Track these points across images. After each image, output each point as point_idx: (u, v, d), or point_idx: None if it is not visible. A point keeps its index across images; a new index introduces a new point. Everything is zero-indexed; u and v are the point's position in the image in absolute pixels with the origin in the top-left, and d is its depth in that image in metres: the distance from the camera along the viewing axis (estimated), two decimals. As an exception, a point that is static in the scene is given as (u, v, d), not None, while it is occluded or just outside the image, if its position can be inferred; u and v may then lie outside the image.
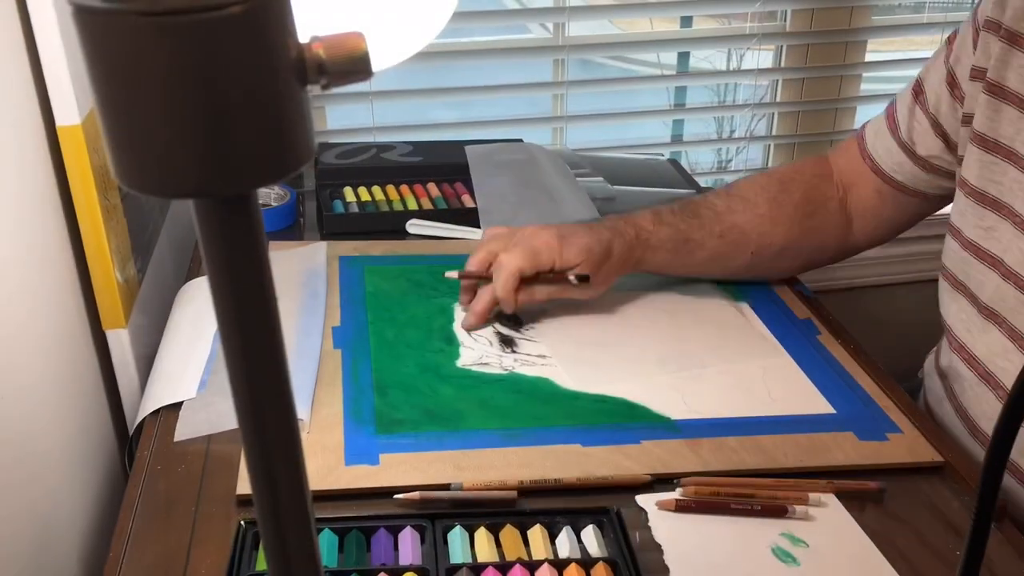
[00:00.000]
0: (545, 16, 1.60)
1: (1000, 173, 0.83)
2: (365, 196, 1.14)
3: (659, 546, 0.67)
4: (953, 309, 0.89)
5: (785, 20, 1.59)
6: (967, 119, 0.87)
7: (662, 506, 0.70)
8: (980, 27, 0.86)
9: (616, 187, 1.25)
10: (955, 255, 0.88)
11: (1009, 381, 0.79)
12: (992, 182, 0.84)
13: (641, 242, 0.94)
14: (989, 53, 0.85)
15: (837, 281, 1.65)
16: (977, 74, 0.86)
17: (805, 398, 0.84)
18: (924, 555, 0.67)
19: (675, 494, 0.70)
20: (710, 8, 1.64)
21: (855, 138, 1.02)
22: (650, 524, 0.68)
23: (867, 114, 1.69)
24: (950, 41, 0.92)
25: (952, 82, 0.90)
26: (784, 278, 1.03)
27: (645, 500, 0.71)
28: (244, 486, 0.69)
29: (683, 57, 1.88)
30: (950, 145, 0.91)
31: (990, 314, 0.83)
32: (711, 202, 0.99)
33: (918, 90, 0.94)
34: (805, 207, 0.99)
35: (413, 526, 0.65)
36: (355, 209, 1.12)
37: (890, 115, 0.98)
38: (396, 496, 0.69)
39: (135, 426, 0.80)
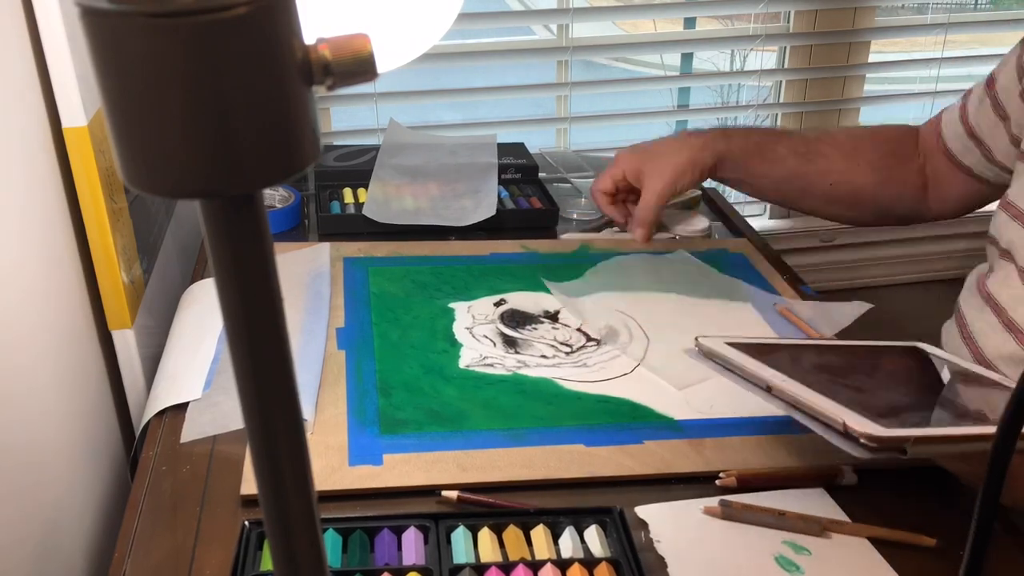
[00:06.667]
0: (549, 18, 1.61)
1: None
2: (363, 198, 1.14)
3: (661, 549, 0.67)
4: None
5: (788, 21, 1.59)
6: None
7: (710, 512, 0.70)
8: None
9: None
10: (1001, 224, 0.90)
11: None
12: None
13: (733, 133, 1.06)
14: None
15: (840, 281, 1.65)
16: None
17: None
18: (927, 557, 0.67)
19: (714, 501, 0.70)
20: (713, 9, 1.64)
21: (936, 117, 1.07)
22: (652, 535, 0.68)
23: (871, 115, 1.70)
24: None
25: (1022, 79, 0.92)
26: (852, 225, 1.11)
27: (645, 511, 0.70)
28: (249, 486, 0.70)
29: (686, 58, 1.88)
30: (1013, 139, 0.94)
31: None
32: (799, 132, 1.11)
33: (990, 82, 0.97)
34: (888, 158, 1.06)
35: (417, 526, 0.66)
36: (352, 211, 1.12)
37: (963, 104, 1.02)
38: (443, 493, 0.70)
39: (141, 427, 0.80)
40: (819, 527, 0.69)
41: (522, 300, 0.98)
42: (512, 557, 0.64)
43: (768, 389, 0.69)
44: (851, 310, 0.97)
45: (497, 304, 0.97)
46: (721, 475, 0.73)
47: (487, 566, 0.62)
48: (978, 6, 1.90)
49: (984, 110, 0.98)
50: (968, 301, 0.91)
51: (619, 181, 1.08)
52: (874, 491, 0.73)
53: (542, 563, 0.63)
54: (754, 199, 1.71)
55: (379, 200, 1.11)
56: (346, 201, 1.15)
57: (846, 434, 0.62)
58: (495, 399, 0.82)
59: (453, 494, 0.69)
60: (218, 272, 0.29)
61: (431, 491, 0.70)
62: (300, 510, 0.33)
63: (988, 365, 0.85)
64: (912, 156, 1.06)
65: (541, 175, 1.24)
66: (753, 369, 0.71)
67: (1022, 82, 0.92)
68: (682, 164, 1.04)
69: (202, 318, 0.90)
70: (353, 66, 0.29)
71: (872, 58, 1.65)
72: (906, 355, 0.86)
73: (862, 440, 0.61)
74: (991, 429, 0.64)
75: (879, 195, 1.06)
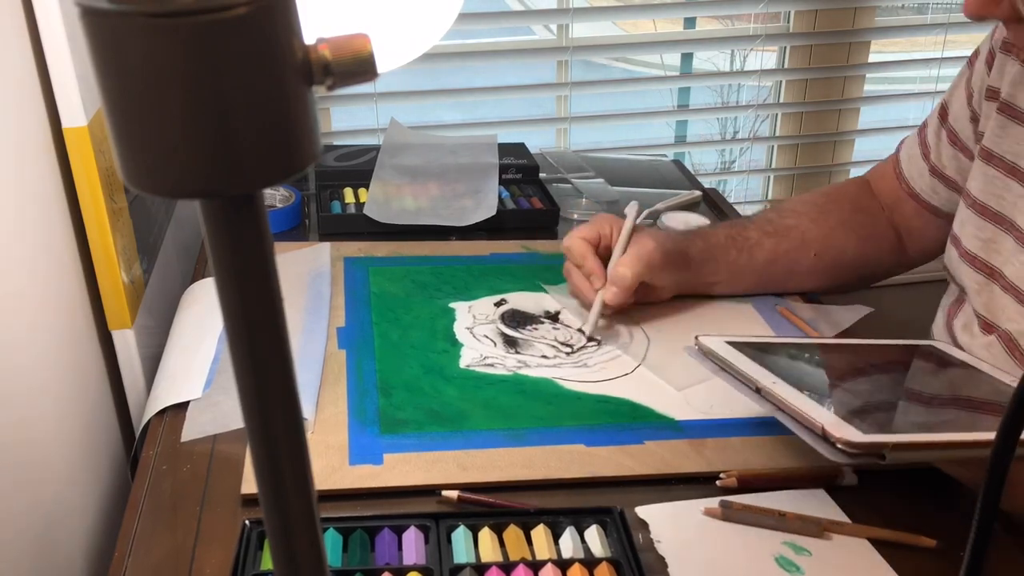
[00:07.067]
0: (549, 18, 1.61)
1: (1003, 188, 0.84)
2: (364, 198, 1.14)
3: (662, 549, 0.67)
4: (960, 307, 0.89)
5: (788, 21, 1.59)
6: (980, 136, 0.88)
7: (710, 513, 0.69)
8: (996, 48, 0.87)
9: (618, 188, 1.26)
10: (954, 262, 0.89)
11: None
12: (994, 196, 0.84)
13: (698, 234, 0.98)
14: (1004, 73, 0.86)
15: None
16: (992, 94, 0.87)
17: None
18: (927, 558, 0.67)
19: (715, 502, 0.70)
20: (713, 9, 1.64)
21: (892, 160, 1.03)
22: (652, 535, 0.68)
23: (871, 115, 1.71)
24: (971, 63, 0.92)
25: (971, 103, 0.91)
26: (848, 290, 1.03)
27: (645, 511, 0.70)
28: (249, 485, 0.70)
29: (686, 58, 1.88)
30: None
31: (986, 325, 0.83)
32: (759, 214, 1.03)
33: (943, 114, 0.95)
34: (855, 217, 1.01)
35: (417, 526, 0.66)
36: (353, 211, 1.12)
37: (922, 138, 0.98)
38: (443, 492, 0.70)
39: (142, 427, 0.80)
40: (819, 528, 0.69)
41: (523, 300, 0.98)
42: (513, 557, 0.64)
43: (757, 390, 0.69)
44: (852, 313, 0.97)
45: (498, 304, 0.97)
46: (722, 476, 0.73)
47: (488, 566, 0.62)
48: (978, 6, 1.89)
49: (943, 145, 0.95)
50: (940, 335, 0.91)
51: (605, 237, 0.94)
52: (874, 492, 0.73)
53: (542, 563, 0.63)
54: (754, 201, 1.71)
55: (380, 200, 1.11)
56: (347, 201, 1.15)
57: (824, 438, 0.62)
58: (495, 399, 0.82)
59: (453, 494, 0.70)
60: (218, 272, 0.29)
61: (431, 491, 0.70)
62: (300, 510, 0.33)
63: None
64: (877, 210, 1.02)
65: (541, 175, 1.24)
66: (744, 369, 0.71)
67: (971, 105, 0.91)
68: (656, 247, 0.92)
69: (202, 318, 0.90)
70: (353, 66, 0.29)
71: (872, 58, 1.65)
72: (919, 355, 0.86)
73: (838, 445, 0.61)
74: (978, 436, 0.65)
75: (861, 256, 1.01)
